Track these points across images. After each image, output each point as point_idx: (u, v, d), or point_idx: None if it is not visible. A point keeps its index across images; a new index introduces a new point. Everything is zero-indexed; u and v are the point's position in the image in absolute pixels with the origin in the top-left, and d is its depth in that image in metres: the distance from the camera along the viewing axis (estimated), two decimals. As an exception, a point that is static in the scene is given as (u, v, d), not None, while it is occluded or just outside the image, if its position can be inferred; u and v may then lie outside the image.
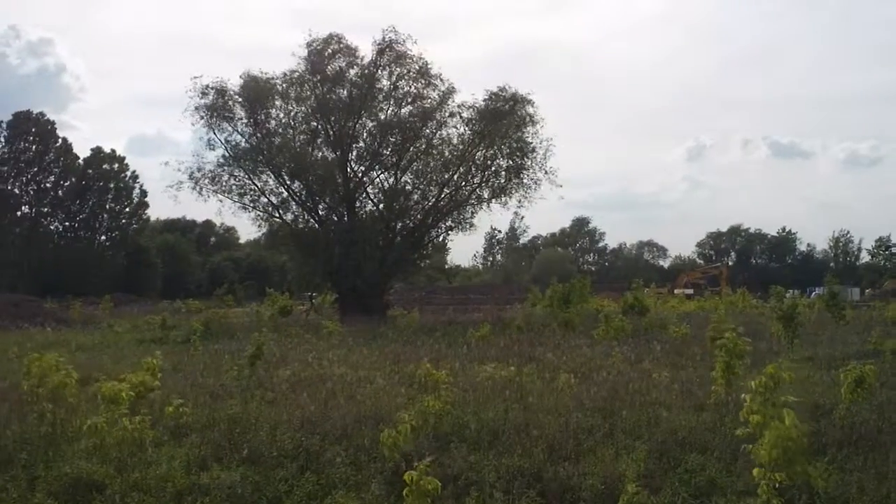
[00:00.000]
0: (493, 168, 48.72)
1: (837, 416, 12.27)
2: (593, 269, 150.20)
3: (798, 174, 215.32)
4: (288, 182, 48.44)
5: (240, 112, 47.83)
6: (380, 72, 48.39)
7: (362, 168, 49.82)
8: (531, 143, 47.86)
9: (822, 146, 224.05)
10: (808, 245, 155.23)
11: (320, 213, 49.82)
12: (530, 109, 47.64)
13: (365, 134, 49.01)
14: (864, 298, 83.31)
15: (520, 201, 49.03)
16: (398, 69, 48.33)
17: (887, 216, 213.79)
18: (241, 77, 47.84)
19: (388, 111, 48.75)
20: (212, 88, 47.04)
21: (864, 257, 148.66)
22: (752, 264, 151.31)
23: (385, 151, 48.72)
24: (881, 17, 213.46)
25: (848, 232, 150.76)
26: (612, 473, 9.42)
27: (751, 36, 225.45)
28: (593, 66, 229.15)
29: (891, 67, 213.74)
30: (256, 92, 47.04)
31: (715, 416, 12.49)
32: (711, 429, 11.61)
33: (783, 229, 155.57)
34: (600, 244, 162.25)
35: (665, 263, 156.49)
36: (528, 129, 47.71)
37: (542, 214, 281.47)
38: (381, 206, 50.18)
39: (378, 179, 50.85)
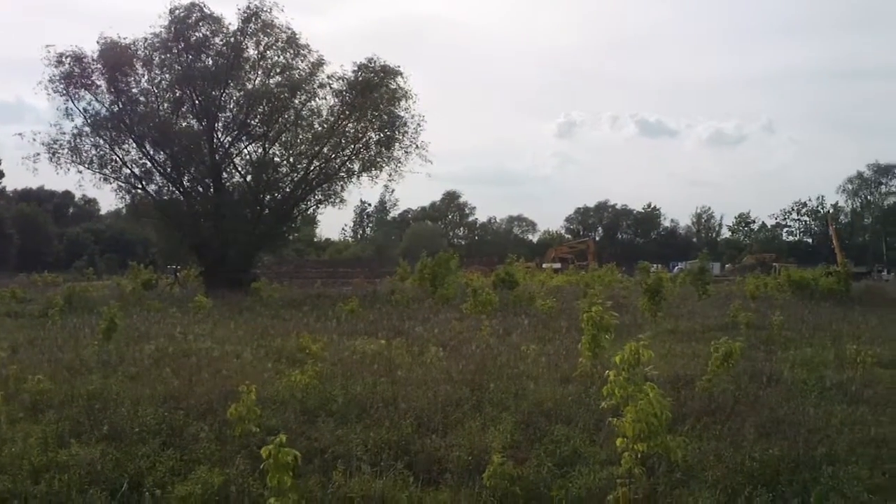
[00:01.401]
0: (363, 141, 48.57)
1: (697, 388, 12.65)
2: (463, 243, 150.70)
3: (664, 152, 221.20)
4: (151, 152, 47.12)
5: (99, 79, 46.07)
6: (246, 41, 47.42)
7: (229, 139, 48.92)
8: (403, 117, 47.91)
9: (687, 125, 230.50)
10: (672, 221, 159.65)
11: (185, 184, 48.61)
12: (401, 82, 47.66)
13: (232, 104, 48.02)
14: (725, 273, 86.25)
15: (390, 175, 49.09)
16: (266, 39, 47.53)
17: (748, 193, 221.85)
18: (98, 42, 46.06)
19: (256, 81, 47.89)
20: (68, 56, 45.08)
21: (725, 233, 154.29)
22: (619, 239, 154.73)
23: (253, 122, 47.91)
24: (749, 4, 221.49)
25: (710, 208, 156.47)
26: (479, 445, 9.49)
27: (624, 18, 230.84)
28: (471, 41, 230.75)
29: (754, 51, 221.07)
30: (117, 58, 45.29)
31: (580, 388, 12.74)
32: (577, 400, 11.83)
33: (649, 205, 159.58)
34: (470, 218, 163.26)
35: (534, 238, 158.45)
36: (400, 103, 47.70)
37: (412, 188, 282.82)
38: (249, 178, 49.43)
39: (246, 151, 50.16)
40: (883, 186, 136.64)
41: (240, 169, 50.36)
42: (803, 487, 8.29)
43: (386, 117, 47.71)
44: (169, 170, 47.80)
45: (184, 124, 48.23)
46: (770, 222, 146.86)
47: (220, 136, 48.61)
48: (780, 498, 8.07)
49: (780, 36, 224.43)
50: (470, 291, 30.07)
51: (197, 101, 47.26)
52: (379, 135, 48.24)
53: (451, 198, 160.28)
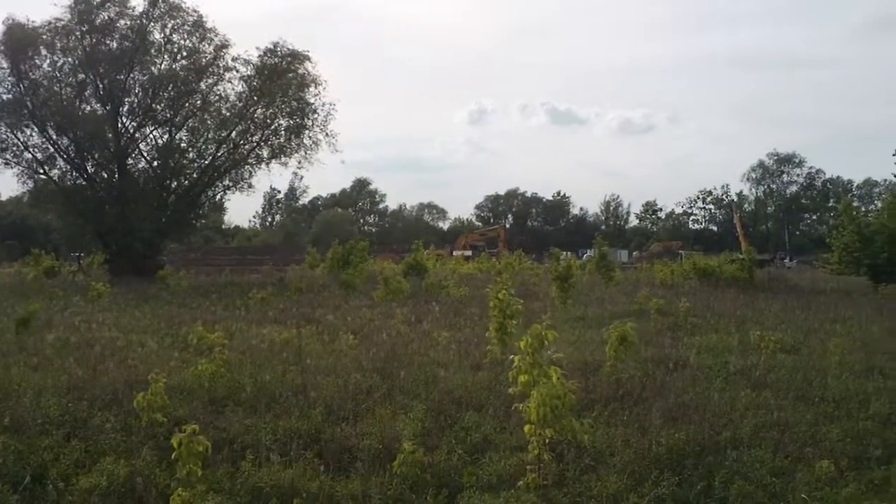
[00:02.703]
0: (272, 127, 48.25)
1: (604, 374, 12.82)
2: (374, 230, 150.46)
3: (574, 140, 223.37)
4: (54, 137, 46.06)
5: (2, 62, 44.88)
6: (152, 24, 46.58)
7: (134, 124, 48.03)
8: (312, 103, 47.68)
9: (596, 114, 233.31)
10: (581, 209, 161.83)
11: (89, 169, 47.60)
12: (310, 67, 47.47)
13: (137, 88, 47.20)
14: (632, 260, 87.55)
15: (300, 162, 48.81)
16: (172, 21, 46.79)
17: (656, 181, 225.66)
18: (2, 23, 44.81)
19: (162, 65, 47.10)
20: (-33, 38, 43.74)
21: (633, 221, 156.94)
22: (529, 227, 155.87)
23: (158, 107, 47.16)
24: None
25: (618, 196, 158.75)
26: (389, 433, 9.47)
27: (533, 5, 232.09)
28: (381, 27, 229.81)
29: (663, 40, 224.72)
30: (20, 40, 44.16)
31: (490, 374, 12.79)
32: (487, 387, 11.88)
33: (558, 193, 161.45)
34: (381, 205, 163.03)
35: (445, 225, 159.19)
36: (309, 89, 47.44)
37: (322, 175, 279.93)
38: (156, 163, 48.59)
39: (151, 136, 49.38)
40: (785, 175, 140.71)
41: (145, 154, 49.61)
42: (708, 471, 8.45)
43: (295, 103, 47.48)
44: (72, 155, 46.74)
45: (88, 109, 47.29)
46: (677, 210, 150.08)
47: (124, 120, 47.78)
48: (686, 482, 8.21)
49: (685, 25, 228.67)
50: (381, 279, 30.00)
51: (101, 85, 46.27)
52: (288, 121, 48.04)
53: (361, 185, 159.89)
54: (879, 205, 58.24)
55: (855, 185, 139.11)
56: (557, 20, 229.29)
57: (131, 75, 46.32)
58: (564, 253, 71.79)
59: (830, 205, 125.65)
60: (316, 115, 47.66)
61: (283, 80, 46.58)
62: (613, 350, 13.27)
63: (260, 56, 47.13)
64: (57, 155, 46.81)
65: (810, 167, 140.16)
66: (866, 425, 10.35)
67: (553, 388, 7.90)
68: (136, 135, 48.32)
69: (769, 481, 8.22)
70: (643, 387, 12.08)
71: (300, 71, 47.18)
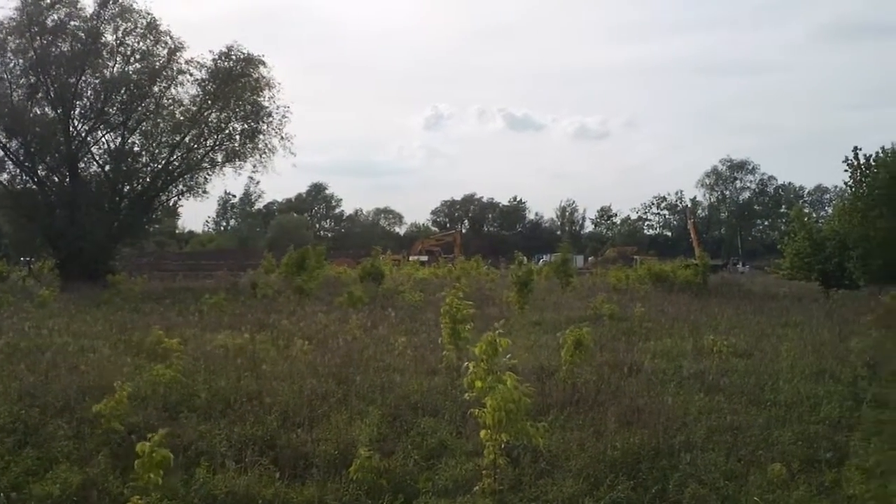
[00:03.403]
0: (227, 131, 47.91)
1: (560, 378, 12.89)
2: (330, 235, 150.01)
3: (531, 146, 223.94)
4: (4, 140, 45.20)
5: (-50, 63, 44.09)
6: (104, 26, 45.90)
7: (86, 127, 47.28)
8: (267, 107, 47.43)
9: (553, 119, 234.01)
10: (537, 214, 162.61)
11: (40, 173, 46.81)
12: (265, 71, 47.21)
13: (89, 91, 46.47)
14: (588, 265, 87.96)
15: (255, 166, 48.49)
16: (124, 24, 46.12)
17: (612, 187, 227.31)
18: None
19: (115, 68, 46.44)
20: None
21: (589, 226, 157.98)
22: (485, 232, 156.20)
23: (111, 110, 46.49)
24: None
25: (574, 202, 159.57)
26: (345, 439, 9.46)
27: (490, 10, 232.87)
28: (336, 30, 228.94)
29: (620, 46, 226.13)
30: (-33, 41, 43.44)
31: (446, 380, 12.83)
32: (443, 392, 11.91)
33: (514, 198, 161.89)
34: (337, 210, 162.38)
35: (401, 230, 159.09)
36: (264, 93, 47.22)
37: (278, 179, 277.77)
38: (108, 167, 48.03)
39: (104, 140, 48.61)
40: (738, 181, 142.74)
41: (97, 158, 48.92)
42: (663, 475, 8.52)
43: (250, 107, 47.23)
44: (22, 158, 45.91)
45: (38, 112, 46.49)
46: (632, 216, 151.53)
47: (76, 124, 47.00)
48: (641, 485, 8.28)
49: (642, 31, 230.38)
50: (342, 286, 29.91)
51: (52, 88, 45.53)
52: (243, 125, 47.69)
53: (317, 189, 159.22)
54: (830, 211, 59.09)
55: (806, 191, 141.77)
56: (515, 25, 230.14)
57: (83, 78, 45.61)
58: (524, 258, 72.05)
59: (782, 211, 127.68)
60: (271, 119, 47.50)
61: (237, 83, 46.30)
62: (569, 354, 13.33)
63: (214, 60, 46.85)
64: (7, 158, 46.04)
65: (763, 173, 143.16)
66: (817, 428, 10.51)
67: (508, 393, 7.93)
68: (88, 138, 47.66)
69: (722, 484, 8.32)
70: (598, 391, 12.17)
71: (255, 75, 46.94)
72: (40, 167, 46.85)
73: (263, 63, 47.20)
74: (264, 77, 47.21)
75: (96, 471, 8.27)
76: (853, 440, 10.24)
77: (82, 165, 47.73)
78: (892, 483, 8.72)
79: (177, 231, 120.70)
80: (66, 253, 45.30)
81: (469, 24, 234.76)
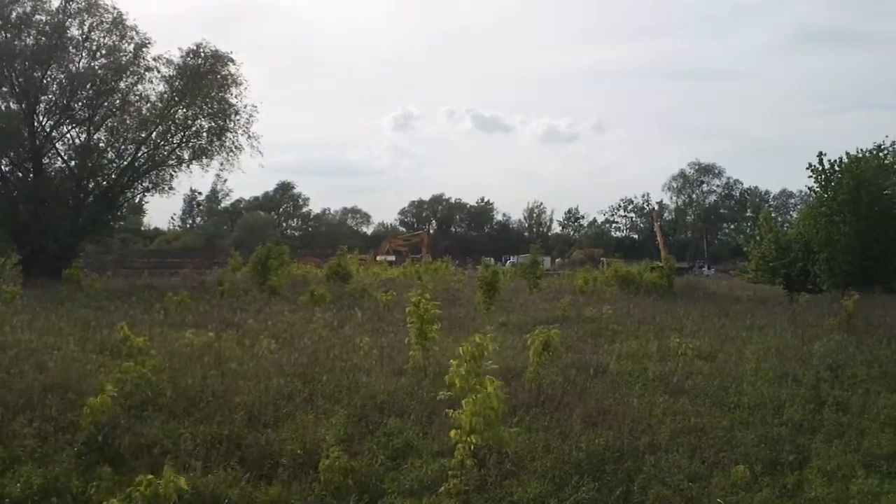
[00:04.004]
0: (194, 128, 47.42)
1: (526, 379, 12.92)
2: (297, 234, 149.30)
3: (500, 147, 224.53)
4: (-34, 135, 44.57)
5: (-89, 55, 43.40)
6: (70, 20, 45.40)
7: (51, 122, 46.70)
8: (235, 105, 47.11)
9: (522, 121, 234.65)
10: (505, 215, 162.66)
11: (3, 168, 46.16)
12: (233, 69, 46.90)
13: (54, 86, 45.92)
14: (555, 267, 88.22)
15: (222, 164, 48.21)
16: (90, 18, 45.63)
17: (580, 190, 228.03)
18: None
19: (80, 63, 45.93)
20: None
21: (556, 228, 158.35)
22: (453, 233, 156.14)
23: (76, 105, 45.98)
24: (579, 3, 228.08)
25: (542, 203, 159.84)
26: (311, 438, 9.44)
27: (461, 12, 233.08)
28: (305, 28, 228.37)
29: (590, 49, 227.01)
30: (-70, 35, 42.82)
31: (413, 380, 12.82)
32: (409, 393, 11.91)
33: (482, 199, 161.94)
34: (304, 209, 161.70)
35: (369, 230, 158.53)
36: (231, 90, 46.93)
37: (245, 178, 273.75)
38: (73, 163, 47.45)
39: (69, 135, 47.98)
40: (704, 185, 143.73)
41: (62, 154, 48.23)
42: (627, 476, 8.59)
43: (217, 105, 46.86)
44: (-16, 153, 45.37)
45: (2, 106, 45.94)
46: (599, 218, 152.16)
47: (41, 119, 46.37)
48: (606, 487, 8.33)
49: (611, 34, 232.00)
50: (305, 285, 29.79)
51: (17, 82, 44.99)
52: (210, 123, 47.31)
53: (284, 188, 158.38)
54: (795, 215, 59.63)
55: (772, 195, 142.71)
56: (484, 27, 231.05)
57: (48, 72, 45.12)
58: (491, 260, 72.19)
59: (748, 214, 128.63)
60: (238, 117, 47.21)
61: (205, 81, 46.00)
62: (536, 356, 13.38)
63: (182, 57, 46.46)
64: (-31, 153, 45.44)
65: (729, 177, 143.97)
66: (780, 431, 10.62)
67: (488, 398, 7.96)
68: (53, 133, 47.04)
69: (686, 486, 8.39)
70: (564, 392, 12.23)
71: (223, 72, 46.66)
72: (4, 162, 46.18)
73: (232, 61, 46.96)
74: (232, 75, 46.95)
75: (61, 470, 8.20)
76: (815, 443, 10.35)
77: (47, 161, 47.14)
78: (853, 486, 8.82)
79: (142, 228, 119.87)
80: (30, 249, 44.78)
81: (439, 26, 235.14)
